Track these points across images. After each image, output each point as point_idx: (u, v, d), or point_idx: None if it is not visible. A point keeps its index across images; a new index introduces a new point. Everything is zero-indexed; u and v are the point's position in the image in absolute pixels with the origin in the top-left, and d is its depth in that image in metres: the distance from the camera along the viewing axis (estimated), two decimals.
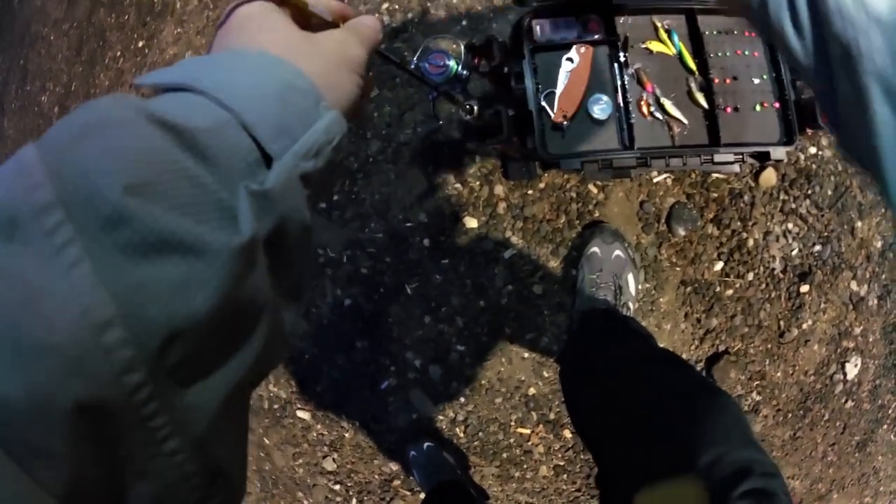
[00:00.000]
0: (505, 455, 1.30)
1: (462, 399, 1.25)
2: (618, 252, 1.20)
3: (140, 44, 1.71)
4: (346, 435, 1.30)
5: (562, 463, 1.32)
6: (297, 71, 0.28)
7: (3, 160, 0.20)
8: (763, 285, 1.33)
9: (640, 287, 1.25)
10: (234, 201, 0.22)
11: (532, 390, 1.25)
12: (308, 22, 0.33)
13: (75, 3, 2.11)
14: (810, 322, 1.33)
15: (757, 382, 1.37)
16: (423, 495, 1.27)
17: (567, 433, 1.29)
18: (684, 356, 1.33)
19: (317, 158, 0.26)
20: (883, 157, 0.30)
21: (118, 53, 1.79)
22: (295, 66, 0.28)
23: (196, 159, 0.22)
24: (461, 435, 1.28)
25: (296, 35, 0.30)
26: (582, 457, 1.32)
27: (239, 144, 0.24)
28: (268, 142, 0.24)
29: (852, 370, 1.36)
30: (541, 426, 1.28)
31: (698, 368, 1.34)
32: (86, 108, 0.21)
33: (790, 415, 1.37)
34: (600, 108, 0.80)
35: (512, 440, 1.28)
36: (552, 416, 1.27)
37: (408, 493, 1.35)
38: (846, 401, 1.37)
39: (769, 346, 1.35)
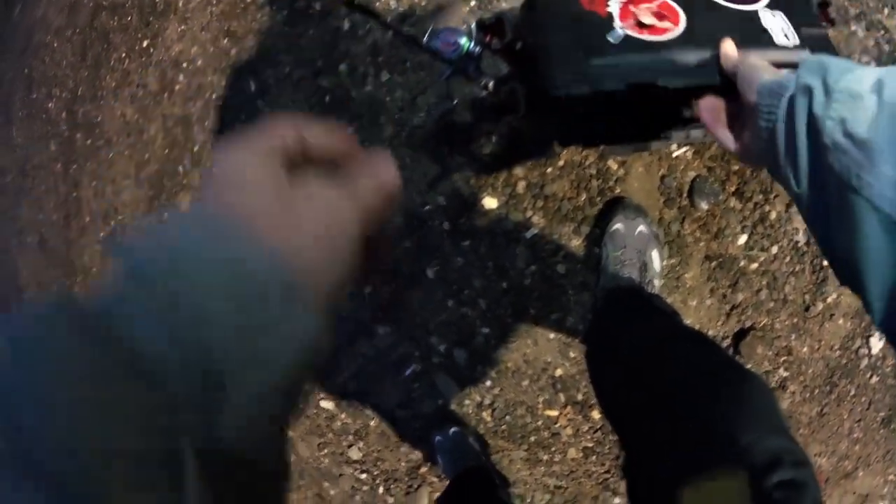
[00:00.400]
0: (533, 438, 1.28)
1: (488, 383, 1.24)
2: (641, 228, 1.18)
3: (145, 43, 1.70)
4: (371, 423, 1.29)
5: (590, 444, 1.30)
6: (262, 252, 0.23)
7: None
8: (787, 258, 1.30)
9: (664, 263, 1.23)
10: (184, 445, 0.19)
11: (559, 371, 1.24)
12: (313, 157, 0.28)
13: (77, 10, 2.11)
14: (835, 296, 1.31)
15: (784, 358, 1.35)
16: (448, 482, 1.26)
17: (595, 414, 1.28)
18: (711, 333, 1.31)
19: (282, 376, 0.21)
20: (868, 275, 0.35)
21: (123, 55, 1.78)
22: (263, 244, 0.23)
23: (139, 390, 0.18)
24: (488, 419, 1.27)
25: (278, 197, 0.25)
26: (611, 438, 1.31)
27: (188, 360, 0.20)
28: (221, 358, 0.20)
29: (877, 344, 1.33)
30: (569, 408, 1.26)
31: (726, 344, 1.32)
32: (14, 325, 0.18)
33: (817, 391, 1.35)
34: None
35: (540, 423, 1.27)
36: (580, 397, 1.25)
37: (435, 479, 1.34)
38: (871, 376, 1.35)
39: (795, 320, 1.33)
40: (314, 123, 0.28)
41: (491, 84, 0.89)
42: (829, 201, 0.37)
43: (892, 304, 0.34)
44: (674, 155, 1.24)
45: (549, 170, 1.16)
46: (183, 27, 1.59)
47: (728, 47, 0.54)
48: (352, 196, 0.27)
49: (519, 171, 1.16)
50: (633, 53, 0.59)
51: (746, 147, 0.49)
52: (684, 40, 0.59)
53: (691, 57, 0.58)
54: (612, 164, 1.20)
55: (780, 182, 0.43)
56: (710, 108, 0.53)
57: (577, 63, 0.60)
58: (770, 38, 0.59)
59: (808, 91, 0.39)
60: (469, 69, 0.87)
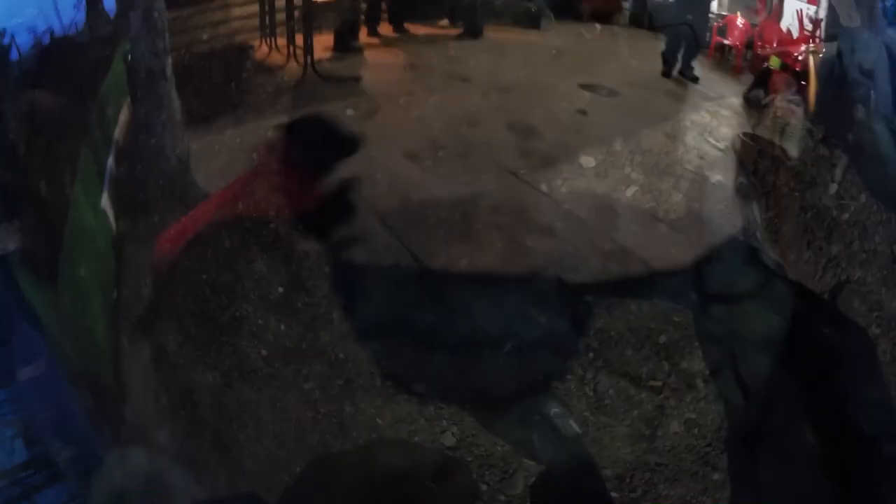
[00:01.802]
0: (636, 412, 1.22)
1: (591, 354, 1.18)
2: (741, 179, 1.13)
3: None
4: (467, 406, 1.22)
5: (693, 416, 1.24)
6: None
7: None
8: (875, 206, 1.26)
9: (763, 215, 1.19)
10: None
11: (663, 338, 1.18)
12: None
13: None
14: None
15: (876, 313, 1.30)
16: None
17: (700, 382, 1.22)
18: (810, 287, 1.26)
19: None
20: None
21: None
22: None
23: None
24: (590, 394, 1.20)
25: None
26: (713, 407, 1.25)
27: None
28: None
29: None
30: (672, 377, 1.20)
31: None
32: None
33: None
34: None
35: (643, 395, 1.20)
36: (684, 364, 1.19)
37: (531, 464, 1.27)
38: None
39: (885, 273, 1.28)
40: None
41: None
42: (857, 120, 0.48)
43: None
44: (762, 103, 1.20)
45: (644, 124, 1.11)
46: None
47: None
48: None
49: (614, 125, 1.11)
50: None
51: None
52: None
53: None
54: (706, 115, 1.15)
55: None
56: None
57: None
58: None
59: (840, 51, 0.60)
60: None
